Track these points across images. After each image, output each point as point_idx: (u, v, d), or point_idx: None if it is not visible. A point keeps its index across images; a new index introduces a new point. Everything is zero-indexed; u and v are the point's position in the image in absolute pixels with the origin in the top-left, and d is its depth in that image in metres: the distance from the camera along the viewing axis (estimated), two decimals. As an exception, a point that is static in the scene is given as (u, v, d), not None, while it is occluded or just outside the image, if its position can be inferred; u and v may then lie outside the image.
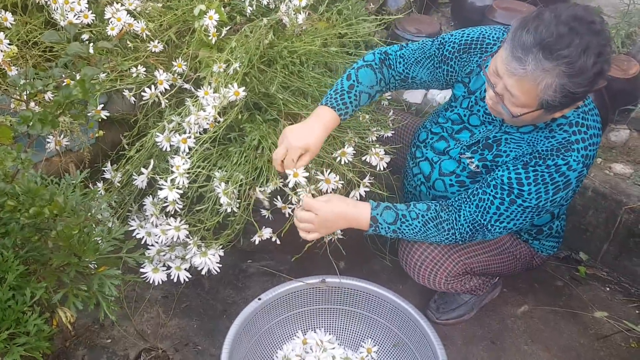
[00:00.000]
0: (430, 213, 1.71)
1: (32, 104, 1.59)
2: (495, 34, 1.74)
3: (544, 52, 1.38)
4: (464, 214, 1.69)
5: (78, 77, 1.29)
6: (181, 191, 1.75)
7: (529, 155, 1.61)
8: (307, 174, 1.72)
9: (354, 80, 1.78)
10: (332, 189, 1.81)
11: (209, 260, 1.78)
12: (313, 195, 1.75)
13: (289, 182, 1.71)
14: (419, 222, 1.71)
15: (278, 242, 1.88)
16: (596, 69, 1.38)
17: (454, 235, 1.72)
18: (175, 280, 1.77)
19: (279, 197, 1.85)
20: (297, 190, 1.75)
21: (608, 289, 2.32)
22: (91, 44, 1.88)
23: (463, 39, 1.77)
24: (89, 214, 1.32)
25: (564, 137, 1.57)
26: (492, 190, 1.65)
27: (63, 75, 1.40)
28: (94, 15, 2.01)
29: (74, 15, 1.96)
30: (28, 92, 1.31)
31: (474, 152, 1.74)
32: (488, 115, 1.72)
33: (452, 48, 1.78)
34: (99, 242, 1.34)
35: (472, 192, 1.70)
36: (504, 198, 1.63)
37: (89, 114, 1.40)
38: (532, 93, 1.44)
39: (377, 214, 1.71)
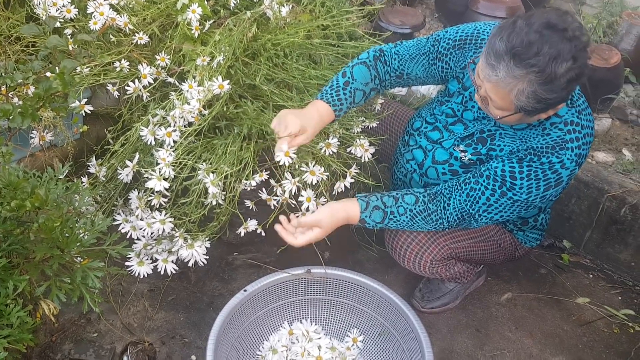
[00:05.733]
0: (419, 206, 1.72)
1: (15, 98, 1.59)
2: (489, 29, 1.75)
3: (514, 60, 1.41)
4: (453, 202, 1.70)
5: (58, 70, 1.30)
6: (167, 184, 1.75)
7: (523, 151, 1.63)
8: (295, 156, 1.71)
9: (348, 77, 1.79)
10: (317, 181, 1.82)
11: (196, 251, 1.79)
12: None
13: (279, 159, 1.68)
14: (406, 217, 1.72)
15: (263, 234, 1.89)
16: (570, 75, 1.40)
17: (441, 225, 1.74)
18: (162, 273, 1.78)
19: (264, 189, 1.86)
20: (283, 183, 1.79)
21: (591, 276, 2.35)
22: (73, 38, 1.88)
23: (458, 35, 1.78)
24: (72, 206, 1.33)
25: (558, 135, 1.59)
26: (484, 181, 1.67)
27: (42, 69, 1.41)
28: (77, 9, 2.00)
29: (57, 10, 1.96)
30: (8, 85, 1.31)
31: (468, 146, 1.76)
32: (482, 111, 1.74)
33: (446, 44, 1.79)
34: (82, 234, 1.34)
35: (464, 180, 1.72)
36: (495, 189, 1.65)
37: (71, 107, 1.40)
38: (507, 98, 1.48)
39: (366, 216, 1.72)
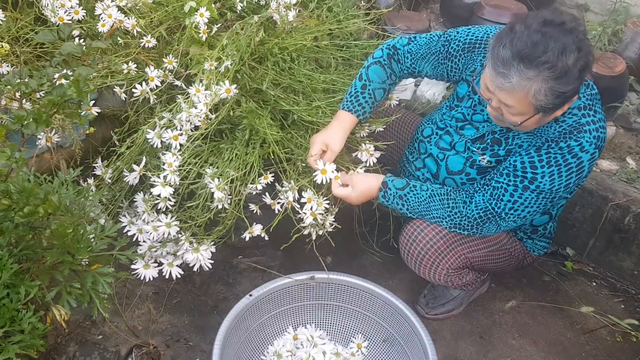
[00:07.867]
0: (442, 190, 1.77)
1: (26, 103, 1.58)
2: None
3: (524, 62, 1.44)
4: (476, 200, 1.71)
5: (72, 77, 1.30)
6: (172, 189, 1.75)
7: (540, 142, 1.65)
8: (335, 172, 1.82)
9: (365, 80, 1.86)
10: (330, 178, 1.82)
11: (202, 256, 1.79)
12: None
13: (316, 176, 1.81)
14: (426, 193, 1.77)
15: (266, 237, 1.88)
16: (579, 64, 1.44)
17: (456, 216, 1.74)
18: (167, 276, 1.78)
19: (267, 193, 1.87)
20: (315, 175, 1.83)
21: (594, 283, 2.36)
22: (82, 41, 1.88)
23: (468, 38, 1.81)
24: (83, 212, 1.33)
25: (574, 120, 1.61)
26: (504, 178, 1.68)
27: (56, 76, 1.41)
28: (85, 11, 2.00)
29: (65, 12, 1.95)
30: (22, 91, 1.31)
31: (484, 149, 1.77)
32: None
33: (457, 46, 1.82)
34: (92, 240, 1.34)
35: (485, 181, 1.74)
36: (517, 185, 1.66)
37: (82, 113, 1.40)
38: (524, 101, 1.50)
39: (389, 180, 1.79)
